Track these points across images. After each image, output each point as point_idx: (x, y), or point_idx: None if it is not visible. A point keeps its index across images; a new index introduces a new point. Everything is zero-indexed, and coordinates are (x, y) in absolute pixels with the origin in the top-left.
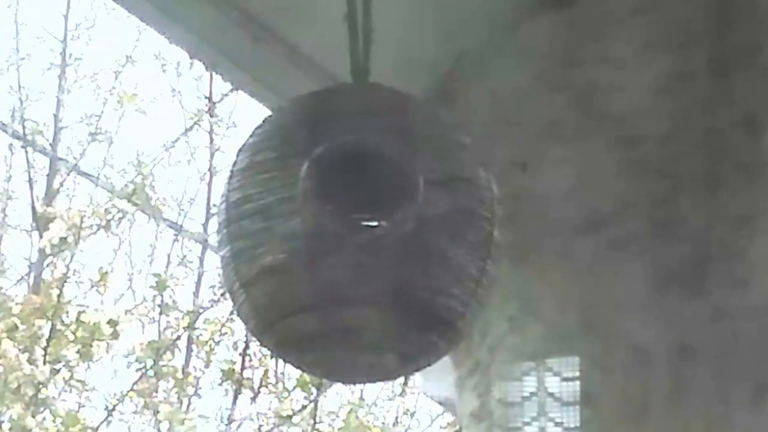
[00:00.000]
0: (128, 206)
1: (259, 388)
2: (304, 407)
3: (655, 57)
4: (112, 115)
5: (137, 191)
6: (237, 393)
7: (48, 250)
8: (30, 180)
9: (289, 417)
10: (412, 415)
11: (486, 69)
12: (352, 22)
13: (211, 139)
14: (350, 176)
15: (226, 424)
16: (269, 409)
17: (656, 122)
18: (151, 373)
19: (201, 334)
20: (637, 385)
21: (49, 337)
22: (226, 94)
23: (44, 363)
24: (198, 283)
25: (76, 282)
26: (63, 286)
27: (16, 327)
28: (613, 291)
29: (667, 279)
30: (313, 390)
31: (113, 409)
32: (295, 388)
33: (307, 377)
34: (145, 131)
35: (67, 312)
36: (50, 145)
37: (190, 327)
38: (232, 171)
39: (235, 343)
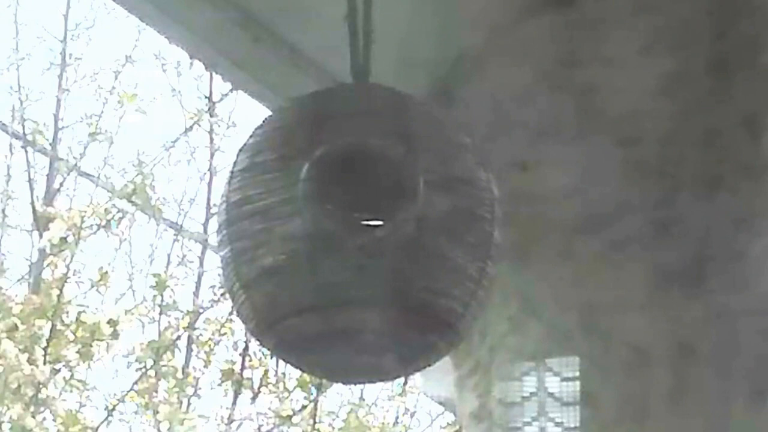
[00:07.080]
0: (128, 206)
1: (259, 388)
2: (304, 407)
3: (655, 57)
4: (112, 115)
5: (137, 191)
6: (237, 393)
7: (48, 250)
8: (30, 180)
9: (289, 417)
10: (412, 415)
11: (486, 69)
12: (352, 22)
13: (211, 139)
14: (351, 177)
15: (226, 424)
16: (269, 409)
17: (656, 122)
18: (151, 373)
19: (201, 334)
20: (637, 385)
21: (49, 337)
22: (226, 94)
23: (44, 363)
24: (198, 283)
25: (76, 282)
26: (63, 286)
27: (16, 327)
28: (613, 291)
29: (667, 279)
30: (313, 390)
31: (113, 409)
32: (295, 388)
33: (307, 377)
34: (145, 131)
35: (67, 312)
36: (50, 145)
37: (190, 327)
38: (232, 171)
39: (235, 343)
